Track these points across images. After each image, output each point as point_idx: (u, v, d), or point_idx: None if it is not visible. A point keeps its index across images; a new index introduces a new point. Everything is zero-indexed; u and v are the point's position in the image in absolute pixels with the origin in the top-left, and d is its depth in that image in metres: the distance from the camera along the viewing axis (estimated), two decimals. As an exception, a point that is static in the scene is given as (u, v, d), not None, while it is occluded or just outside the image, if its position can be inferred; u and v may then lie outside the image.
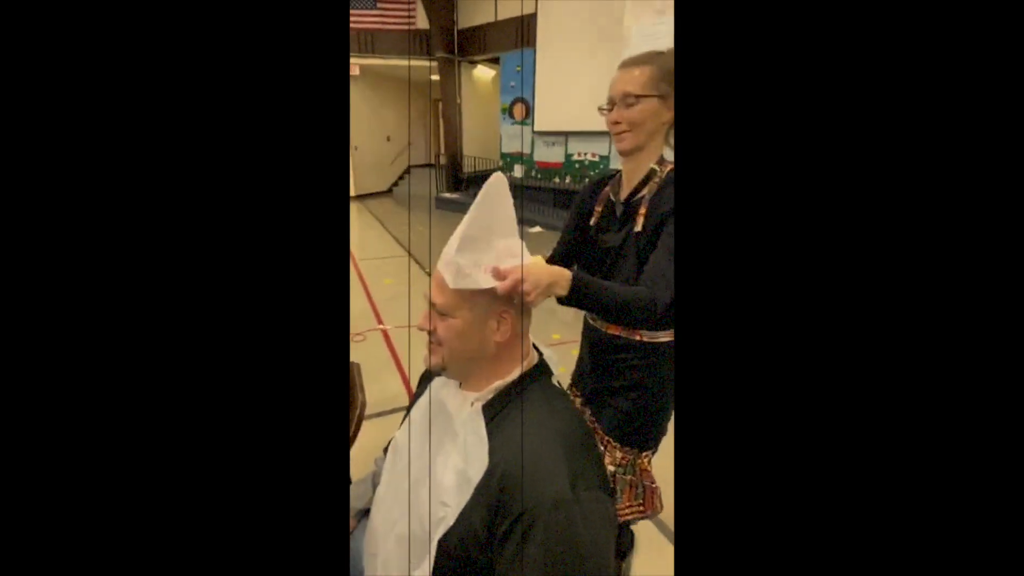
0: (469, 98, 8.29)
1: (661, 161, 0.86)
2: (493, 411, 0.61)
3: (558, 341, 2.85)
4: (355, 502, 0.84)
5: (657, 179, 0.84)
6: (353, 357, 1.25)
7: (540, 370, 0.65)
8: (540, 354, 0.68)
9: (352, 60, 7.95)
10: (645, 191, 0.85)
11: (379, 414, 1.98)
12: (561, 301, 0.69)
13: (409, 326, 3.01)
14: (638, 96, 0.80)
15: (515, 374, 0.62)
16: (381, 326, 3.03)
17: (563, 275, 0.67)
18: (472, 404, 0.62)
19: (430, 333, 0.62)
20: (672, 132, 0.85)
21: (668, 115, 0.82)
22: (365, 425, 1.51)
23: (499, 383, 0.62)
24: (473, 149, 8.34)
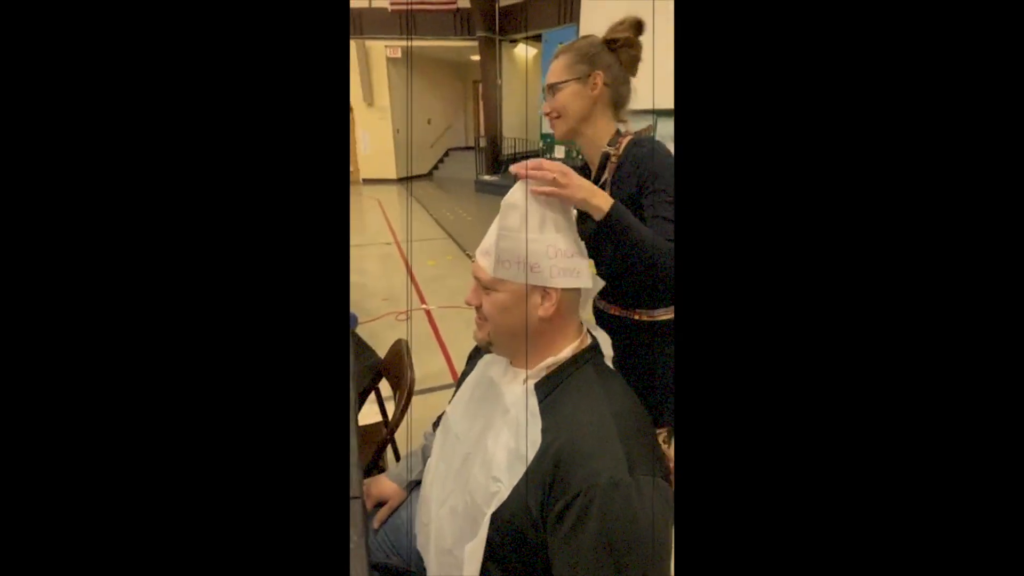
0: (510, 78, 8.17)
1: (615, 140, 0.85)
2: (546, 390, 0.60)
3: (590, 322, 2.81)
4: (407, 474, 0.87)
5: (613, 159, 0.84)
6: (398, 335, 1.28)
7: (593, 351, 0.63)
8: (593, 336, 0.67)
9: (393, 43, 8.00)
10: (606, 175, 0.84)
11: (424, 391, 2.04)
12: (599, 226, 0.68)
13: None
14: (558, 83, 0.83)
15: (567, 353, 0.61)
16: (424, 306, 3.10)
17: (604, 194, 0.66)
18: (524, 382, 0.62)
19: (477, 308, 0.63)
20: (622, 106, 0.87)
21: (592, 93, 0.83)
22: (419, 399, 1.54)
23: (550, 360, 0.61)
24: (513, 130, 8.25)
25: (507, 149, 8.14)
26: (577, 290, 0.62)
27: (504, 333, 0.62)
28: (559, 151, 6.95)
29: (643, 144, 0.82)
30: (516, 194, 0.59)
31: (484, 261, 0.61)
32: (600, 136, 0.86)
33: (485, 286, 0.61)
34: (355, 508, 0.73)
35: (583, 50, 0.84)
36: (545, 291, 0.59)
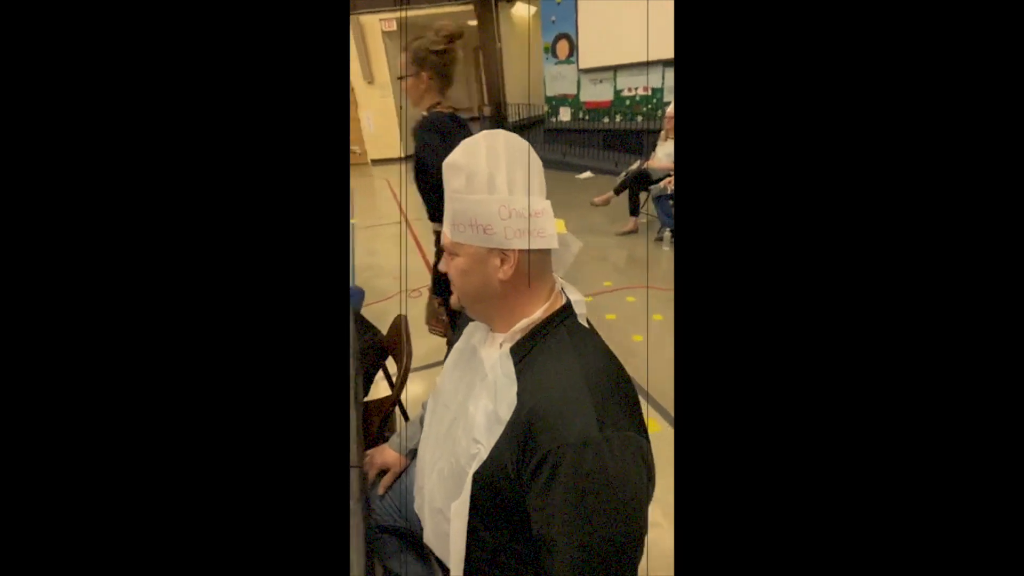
0: (509, 41, 7.88)
1: (426, 108, 1.33)
2: (521, 353, 0.61)
3: (610, 288, 2.80)
4: (407, 442, 0.90)
5: (422, 119, 1.31)
6: (408, 312, 1.30)
7: (566, 312, 0.63)
8: (567, 297, 0.66)
9: (387, 15, 7.78)
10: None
11: (433, 364, 2.08)
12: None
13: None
14: (402, 76, 1.31)
15: (539, 315, 0.61)
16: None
17: None
18: (501, 346, 0.63)
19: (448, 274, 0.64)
20: (448, 87, 1.34)
21: (422, 86, 1.31)
22: (421, 373, 1.56)
23: (524, 323, 0.61)
24: (516, 96, 8.03)
25: (512, 116, 7.94)
26: (543, 251, 0.60)
27: (468, 296, 0.63)
28: (564, 113, 6.75)
29: (425, 119, 1.29)
30: (457, 155, 0.58)
31: (446, 225, 0.61)
32: (426, 106, 1.34)
33: (448, 250, 0.61)
34: (355, 476, 0.77)
35: (416, 53, 1.26)
36: (504, 253, 0.58)
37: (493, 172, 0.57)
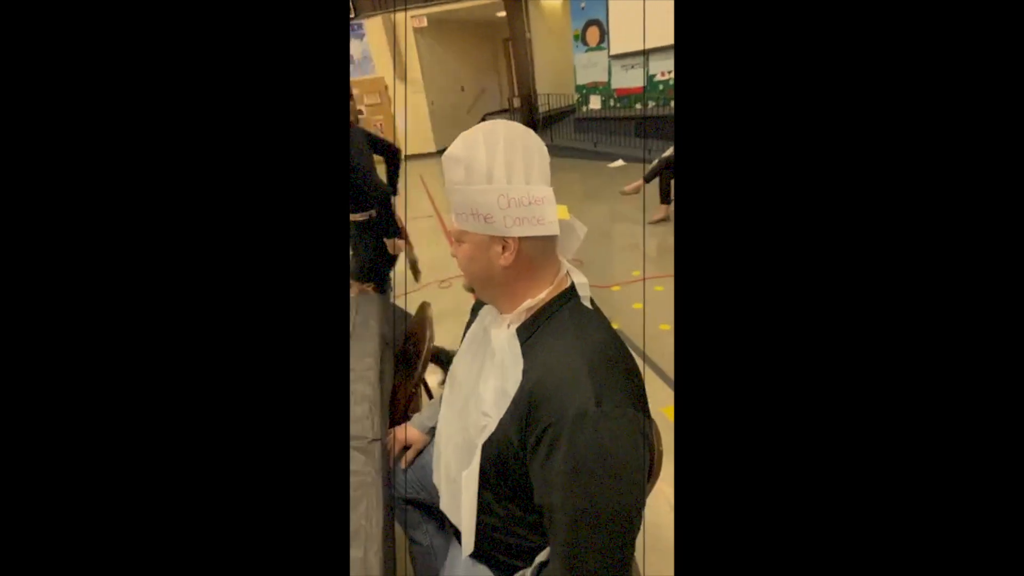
0: (539, 31, 7.81)
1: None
2: (527, 333, 0.63)
3: (637, 278, 2.77)
4: (429, 421, 0.95)
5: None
6: (440, 303, 1.36)
7: (569, 294, 0.65)
8: (572, 280, 0.68)
9: (417, 12, 7.88)
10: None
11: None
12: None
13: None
14: None
15: (543, 297, 0.64)
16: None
17: None
18: (508, 327, 0.66)
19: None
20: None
21: None
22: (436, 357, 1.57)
23: (529, 303, 0.63)
24: (547, 86, 7.96)
25: (542, 106, 7.89)
26: (546, 237, 0.62)
27: (476, 281, 0.66)
28: (594, 102, 6.65)
29: None
30: (456, 147, 0.61)
31: (451, 213, 0.64)
32: None
33: (455, 238, 0.64)
34: (376, 449, 0.82)
35: None
36: (504, 241, 0.60)
37: (491, 163, 0.58)
